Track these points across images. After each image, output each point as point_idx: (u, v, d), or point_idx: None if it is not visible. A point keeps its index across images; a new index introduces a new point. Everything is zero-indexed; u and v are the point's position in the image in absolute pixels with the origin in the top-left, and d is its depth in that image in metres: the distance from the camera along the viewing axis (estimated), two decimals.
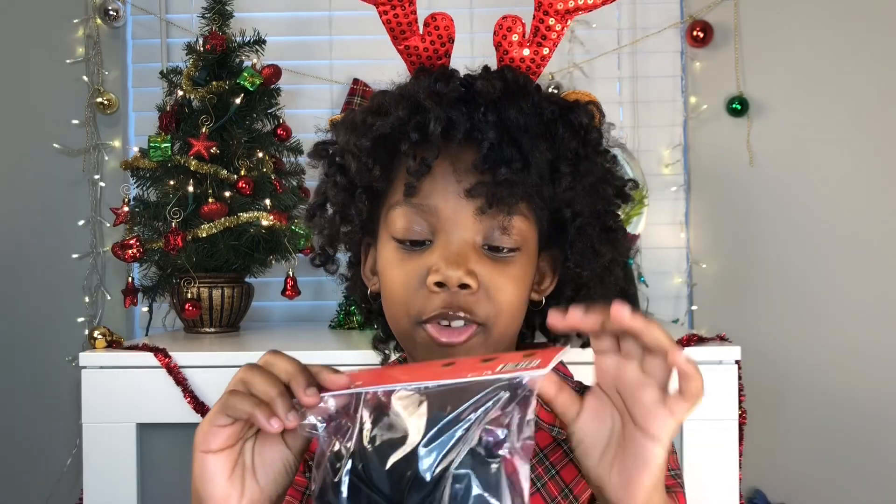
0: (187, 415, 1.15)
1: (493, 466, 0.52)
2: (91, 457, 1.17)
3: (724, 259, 1.71)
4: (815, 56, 1.70)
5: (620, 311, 0.54)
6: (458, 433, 0.53)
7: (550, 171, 0.70)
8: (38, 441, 1.72)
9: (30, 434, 1.73)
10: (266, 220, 1.39)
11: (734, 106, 1.69)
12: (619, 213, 0.78)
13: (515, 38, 0.75)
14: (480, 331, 0.70)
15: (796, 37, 1.70)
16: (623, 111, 1.74)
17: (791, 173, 1.70)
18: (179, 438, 1.17)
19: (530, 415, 0.53)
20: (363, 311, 0.84)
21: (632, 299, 1.36)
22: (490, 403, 0.53)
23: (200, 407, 1.15)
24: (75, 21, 1.74)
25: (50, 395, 1.72)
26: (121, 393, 1.17)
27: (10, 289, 1.75)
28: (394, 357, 0.84)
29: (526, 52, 0.75)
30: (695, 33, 1.68)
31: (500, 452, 0.53)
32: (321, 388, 0.57)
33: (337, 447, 0.56)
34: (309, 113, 1.74)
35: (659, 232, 1.71)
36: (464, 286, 0.67)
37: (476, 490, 0.52)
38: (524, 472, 0.52)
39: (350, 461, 0.55)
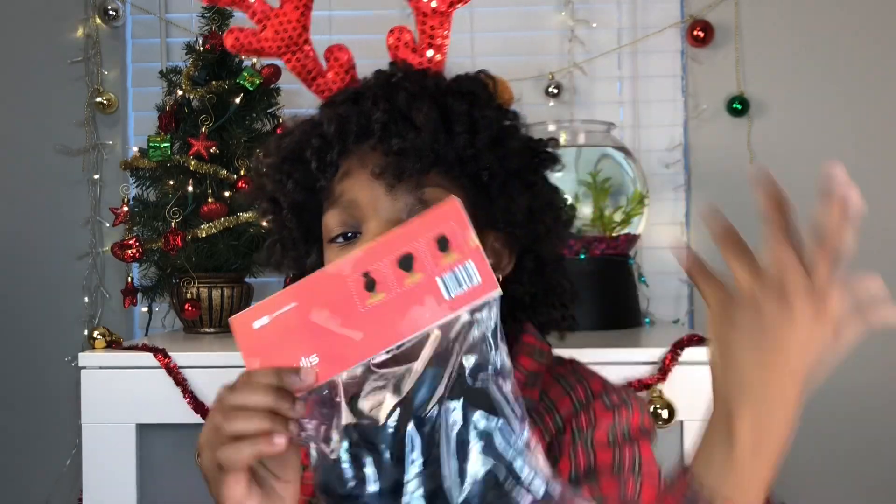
0: (187, 415, 1.15)
1: (479, 385, 0.55)
2: (91, 457, 1.17)
3: None
4: (816, 56, 1.70)
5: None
6: (443, 375, 0.55)
7: (447, 136, 0.72)
8: (38, 441, 1.72)
9: (29, 434, 1.73)
10: (266, 220, 1.39)
11: (735, 106, 1.68)
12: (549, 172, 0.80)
13: (406, 46, 0.79)
14: None
15: (797, 36, 1.70)
16: (623, 111, 1.74)
17: (792, 173, 1.68)
18: (179, 439, 1.17)
19: (493, 324, 0.55)
20: None
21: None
22: (460, 339, 0.56)
23: (200, 407, 1.15)
24: (75, 21, 1.74)
25: (49, 395, 1.72)
26: (120, 393, 1.17)
27: (10, 289, 1.74)
28: None
29: (422, 55, 0.79)
30: (695, 33, 1.68)
31: (483, 375, 0.55)
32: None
33: (326, 436, 0.57)
34: (309, 113, 1.73)
35: (659, 232, 1.71)
36: None
37: (473, 412, 0.54)
38: (510, 385, 0.55)
39: (345, 438, 0.56)
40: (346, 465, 0.56)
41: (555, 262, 0.80)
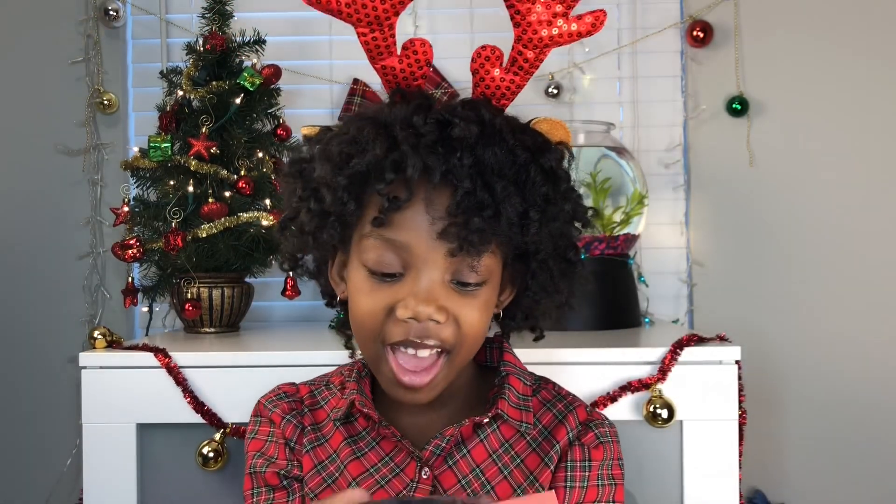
0: (187, 415, 1.15)
1: None
2: (91, 457, 1.17)
3: (724, 259, 1.71)
4: (816, 56, 1.70)
5: None
6: None
7: (520, 218, 0.73)
8: (38, 441, 1.72)
9: (30, 434, 1.73)
10: (266, 220, 1.39)
11: (734, 106, 1.69)
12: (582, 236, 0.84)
13: (496, 70, 0.78)
14: (445, 356, 0.75)
15: (796, 37, 1.71)
16: (623, 111, 1.74)
17: (791, 173, 1.70)
18: (179, 439, 1.17)
19: None
20: (326, 301, 0.90)
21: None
22: None
23: (200, 407, 1.15)
24: (75, 21, 1.74)
25: (50, 395, 1.72)
26: (121, 393, 1.17)
27: (10, 289, 1.75)
28: (359, 353, 0.87)
29: (502, 78, 0.78)
30: (695, 33, 1.68)
31: None
32: None
33: None
34: (309, 113, 1.73)
35: (659, 232, 1.71)
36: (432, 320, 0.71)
37: None
38: None
39: None
40: None
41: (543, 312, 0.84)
